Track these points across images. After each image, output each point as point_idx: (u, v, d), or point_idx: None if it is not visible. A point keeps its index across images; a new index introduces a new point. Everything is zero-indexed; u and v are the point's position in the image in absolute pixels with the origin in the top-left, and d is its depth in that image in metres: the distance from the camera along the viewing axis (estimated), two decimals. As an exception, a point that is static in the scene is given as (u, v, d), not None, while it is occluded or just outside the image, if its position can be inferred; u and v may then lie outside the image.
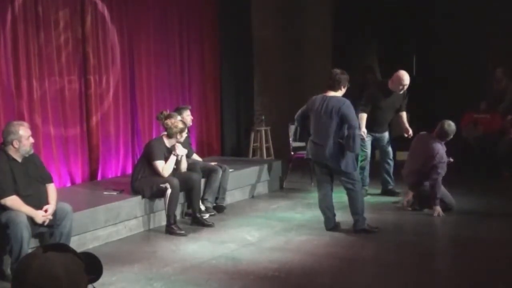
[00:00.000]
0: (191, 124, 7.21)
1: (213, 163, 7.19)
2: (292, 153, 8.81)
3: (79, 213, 5.40)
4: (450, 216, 6.60)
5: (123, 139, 7.61)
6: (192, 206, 6.42)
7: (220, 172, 6.98)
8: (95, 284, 1.86)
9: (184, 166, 6.47)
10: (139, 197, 6.17)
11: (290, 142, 8.99)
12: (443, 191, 6.70)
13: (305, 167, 8.30)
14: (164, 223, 6.15)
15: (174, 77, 8.37)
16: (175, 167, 6.30)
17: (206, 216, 6.57)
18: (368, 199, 7.01)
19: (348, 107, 5.78)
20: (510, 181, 8.24)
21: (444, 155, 6.64)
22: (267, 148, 9.62)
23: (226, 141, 9.34)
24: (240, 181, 7.62)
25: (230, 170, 7.26)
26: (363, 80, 9.53)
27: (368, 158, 7.46)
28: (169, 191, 5.98)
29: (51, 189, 4.98)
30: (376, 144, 7.60)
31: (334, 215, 6.12)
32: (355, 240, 5.81)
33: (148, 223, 6.26)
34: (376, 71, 10.61)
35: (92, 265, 1.84)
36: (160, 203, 6.27)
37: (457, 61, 9.56)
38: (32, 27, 6.45)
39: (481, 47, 9.31)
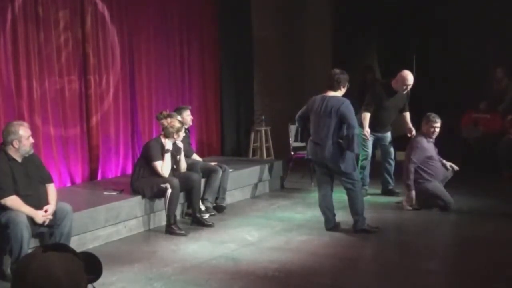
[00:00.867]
0: (191, 124, 7.21)
1: (213, 163, 7.19)
2: (292, 153, 8.82)
3: (79, 213, 5.40)
4: (450, 216, 6.61)
5: (123, 139, 7.61)
6: (192, 206, 6.43)
7: (220, 172, 6.98)
8: (95, 284, 1.86)
9: (184, 166, 6.47)
10: (139, 197, 6.17)
11: (290, 142, 9.00)
12: (441, 189, 6.72)
13: (305, 167, 8.30)
14: (164, 223, 6.16)
15: (174, 77, 8.37)
16: (174, 167, 6.31)
17: (206, 216, 6.57)
18: (368, 199, 7.01)
19: (347, 107, 5.78)
20: (510, 181, 8.24)
21: (428, 150, 6.75)
22: (267, 148, 9.62)
23: (226, 141, 9.34)
24: (240, 181, 7.62)
25: (230, 170, 7.26)
26: (363, 80, 9.54)
27: (369, 158, 7.47)
28: (169, 191, 5.98)
29: (51, 189, 4.98)
30: (378, 143, 7.60)
31: (334, 215, 6.13)
32: (355, 240, 5.81)
33: (148, 223, 6.27)
34: (376, 71, 10.62)
35: (92, 265, 1.84)
36: (160, 203, 6.27)
37: (457, 61, 9.57)
38: (32, 27, 6.46)
39: (481, 47, 9.31)
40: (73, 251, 1.80)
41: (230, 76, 9.31)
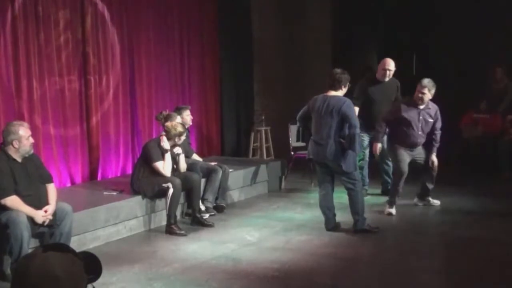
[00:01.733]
0: (191, 124, 7.21)
1: (213, 163, 7.20)
2: (292, 153, 8.81)
3: (79, 213, 5.40)
4: (449, 216, 6.61)
5: (123, 139, 7.61)
6: (192, 206, 6.43)
7: (220, 172, 6.98)
8: (95, 284, 1.86)
9: (183, 166, 6.47)
10: (139, 197, 6.17)
11: (290, 142, 9.00)
12: (398, 158, 6.67)
13: (305, 167, 8.30)
14: (164, 223, 6.16)
15: (174, 77, 8.37)
16: (174, 166, 6.31)
17: (206, 216, 6.57)
18: (368, 199, 7.01)
19: (349, 107, 5.78)
20: (510, 181, 8.24)
21: (404, 114, 6.57)
22: (267, 148, 9.63)
23: (226, 141, 9.35)
24: (240, 181, 7.62)
25: (230, 170, 7.26)
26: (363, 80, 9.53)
27: (366, 158, 7.44)
28: (171, 190, 5.99)
29: (51, 189, 4.98)
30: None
31: (334, 215, 6.13)
32: (355, 240, 5.81)
33: (148, 223, 6.27)
34: (376, 71, 10.60)
35: (91, 265, 1.84)
36: (160, 203, 6.27)
37: (457, 61, 9.56)
38: (32, 27, 6.46)
39: (481, 47, 9.30)
40: (73, 251, 1.80)
41: (230, 76, 9.32)
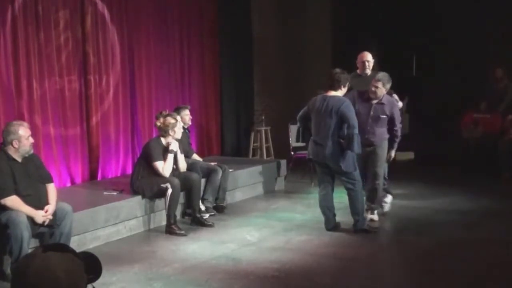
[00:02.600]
0: (190, 123, 7.21)
1: (213, 163, 7.20)
2: (292, 153, 8.81)
3: (79, 213, 5.40)
4: (449, 216, 6.61)
5: (123, 139, 7.61)
6: (192, 206, 6.43)
7: (220, 172, 6.98)
8: (94, 283, 1.86)
9: (183, 166, 6.47)
10: (139, 197, 6.17)
11: (290, 142, 9.00)
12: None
13: (305, 167, 8.30)
14: (164, 223, 6.16)
15: (174, 77, 8.37)
16: (174, 166, 6.30)
17: (206, 216, 6.57)
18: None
19: (348, 107, 5.78)
20: (510, 181, 8.24)
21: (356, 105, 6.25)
22: (267, 148, 9.63)
23: (226, 141, 9.35)
24: (240, 181, 7.62)
25: (230, 170, 7.26)
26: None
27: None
28: (170, 191, 5.98)
29: (51, 189, 4.98)
30: None
31: (334, 215, 6.13)
32: (355, 240, 5.81)
33: (148, 223, 6.26)
34: (376, 71, 10.60)
35: (91, 265, 1.84)
36: (160, 203, 6.27)
37: (457, 61, 9.56)
38: (32, 27, 6.46)
39: (481, 47, 9.30)
40: (73, 251, 1.80)
41: (230, 76, 9.31)
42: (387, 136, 6.33)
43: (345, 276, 4.84)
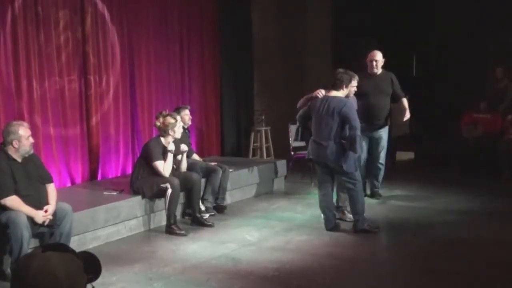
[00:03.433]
0: (190, 123, 7.21)
1: (213, 163, 7.20)
2: (292, 153, 8.81)
3: (79, 213, 5.40)
4: (449, 216, 6.61)
5: (123, 139, 7.61)
6: (192, 206, 6.43)
7: (220, 172, 6.98)
8: (94, 283, 1.86)
9: (184, 166, 6.47)
10: (139, 197, 6.17)
11: (290, 142, 8.99)
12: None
13: (305, 167, 8.30)
14: (164, 223, 6.16)
15: (174, 77, 8.37)
16: (174, 166, 6.30)
17: (206, 216, 6.57)
18: (367, 199, 7.00)
19: (350, 108, 5.78)
20: (510, 181, 8.24)
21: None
22: (267, 148, 9.63)
23: (226, 141, 9.35)
24: (240, 181, 7.62)
25: (230, 170, 7.26)
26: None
27: (362, 159, 7.34)
28: (169, 191, 5.98)
29: (51, 189, 4.98)
30: (369, 147, 7.20)
31: (335, 215, 6.13)
32: (355, 240, 5.81)
33: (148, 223, 6.27)
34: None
35: (91, 264, 1.84)
36: (160, 203, 6.27)
37: (457, 61, 9.56)
38: (32, 27, 6.46)
39: (481, 47, 9.31)
40: (72, 251, 1.80)
41: (230, 76, 9.31)
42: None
43: (345, 276, 4.84)
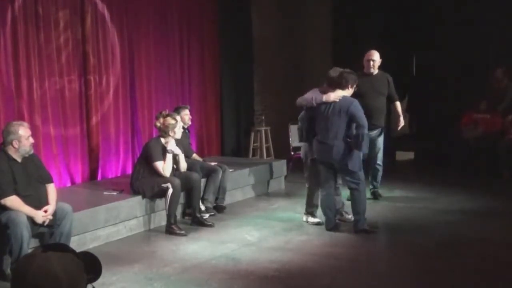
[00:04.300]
0: (189, 123, 7.21)
1: (213, 163, 7.20)
2: (292, 153, 8.81)
3: (79, 213, 5.40)
4: (449, 216, 6.60)
5: (123, 139, 7.61)
6: (192, 206, 6.43)
7: (220, 172, 6.98)
8: (94, 283, 1.86)
9: (184, 165, 6.47)
10: (139, 197, 6.17)
11: (290, 142, 8.99)
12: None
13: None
14: (164, 223, 6.15)
15: (174, 77, 8.37)
16: (174, 166, 6.30)
17: (206, 216, 6.57)
18: (368, 199, 6.99)
19: (356, 107, 5.81)
20: (510, 181, 8.24)
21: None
22: (267, 148, 9.63)
23: (226, 141, 9.34)
24: (240, 181, 7.62)
25: (230, 170, 7.26)
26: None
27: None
28: (170, 191, 5.98)
29: (51, 189, 4.98)
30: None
31: (335, 215, 6.13)
32: (355, 240, 5.81)
33: (148, 223, 6.26)
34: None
35: (91, 264, 1.85)
36: (160, 203, 6.27)
37: (457, 61, 9.56)
38: (32, 27, 6.46)
39: (481, 47, 9.30)
40: (72, 251, 1.80)
41: (230, 76, 9.31)
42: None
43: (345, 276, 4.84)
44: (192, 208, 6.43)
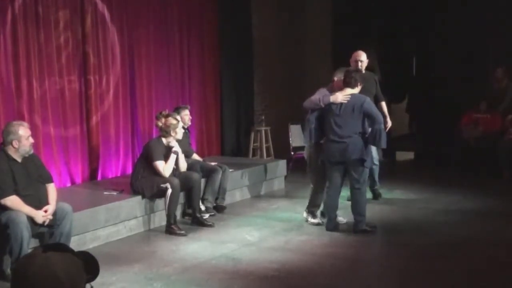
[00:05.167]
0: (189, 123, 7.21)
1: (213, 163, 7.20)
2: (292, 153, 8.81)
3: (79, 213, 5.40)
4: (449, 216, 6.61)
5: (123, 139, 7.61)
6: (192, 206, 6.43)
7: (220, 172, 6.98)
8: (93, 283, 1.86)
9: (184, 165, 6.47)
10: (139, 197, 6.17)
11: (290, 142, 8.99)
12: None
13: (305, 167, 8.28)
14: (164, 223, 6.15)
15: (174, 77, 8.37)
16: (175, 166, 6.30)
17: (206, 216, 6.57)
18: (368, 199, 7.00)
19: (370, 104, 5.89)
20: (510, 181, 8.24)
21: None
22: (267, 148, 9.62)
23: (226, 141, 9.34)
24: (240, 181, 7.62)
25: (230, 170, 7.26)
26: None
27: None
28: (169, 191, 5.98)
29: (51, 189, 4.98)
30: None
31: (336, 216, 6.12)
32: (355, 240, 5.81)
33: (148, 223, 6.26)
34: (376, 71, 10.60)
35: (89, 264, 1.84)
36: (160, 203, 6.27)
37: (457, 61, 9.56)
38: (32, 27, 6.45)
39: (481, 47, 9.30)
40: (72, 251, 1.80)
41: (230, 76, 9.31)
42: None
43: (345, 276, 4.84)
44: (192, 208, 6.43)
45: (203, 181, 6.77)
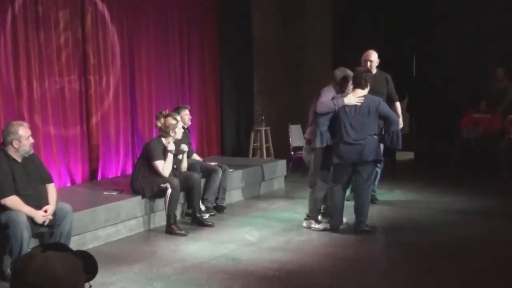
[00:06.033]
0: (189, 123, 7.21)
1: (213, 163, 7.20)
2: (292, 153, 8.80)
3: (79, 213, 5.40)
4: (449, 216, 6.61)
5: (123, 139, 7.61)
6: (192, 206, 6.43)
7: (220, 172, 6.98)
8: (92, 283, 1.86)
9: (184, 165, 6.47)
10: (139, 197, 6.17)
11: (290, 142, 8.99)
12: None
13: (305, 167, 8.28)
14: (164, 223, 6.15)
15: (174, 77, 8.37)
16: (175, 166, 6.30)
17: (206, 216, 6.57)
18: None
19: (385, 105, 5.94)
20: (510, 181, 8.24)
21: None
22: (267, 148, 9.63)
23: (226, 141, 9.34)
24: (240, 181, 7.62)
25: (230, 170, 7.26)
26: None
27: None
28: (169, 191, 5.98)
29: (51, 189, 4.98)
30: None
31: (340, 216, 6.11)
32: (355, 240, 5.80)
33: (148, 223, 6.27)
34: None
35: (88, 263, 1.85)
36: (160, 203, 6.27)
37: (457, 61, 9.56)
38: (32, 27, 6.46)
39: (481, 47, 9.30)
40: (71, 251, 1.80)
41: (230, 76, 9.31)
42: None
43: (345, 276, 4.84)
44: (192, 208, 6.43)
45: (203, 181, 6.77)
